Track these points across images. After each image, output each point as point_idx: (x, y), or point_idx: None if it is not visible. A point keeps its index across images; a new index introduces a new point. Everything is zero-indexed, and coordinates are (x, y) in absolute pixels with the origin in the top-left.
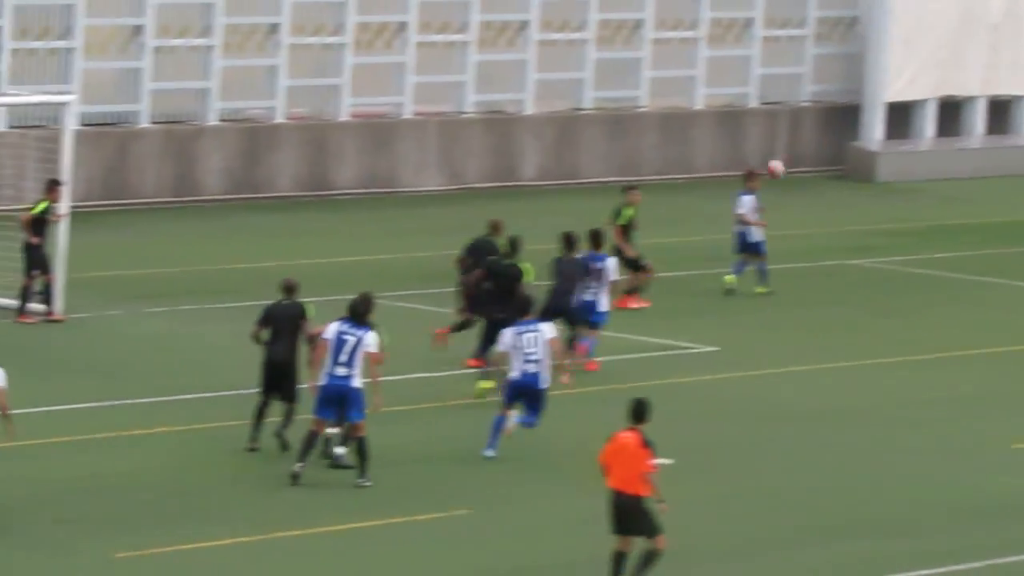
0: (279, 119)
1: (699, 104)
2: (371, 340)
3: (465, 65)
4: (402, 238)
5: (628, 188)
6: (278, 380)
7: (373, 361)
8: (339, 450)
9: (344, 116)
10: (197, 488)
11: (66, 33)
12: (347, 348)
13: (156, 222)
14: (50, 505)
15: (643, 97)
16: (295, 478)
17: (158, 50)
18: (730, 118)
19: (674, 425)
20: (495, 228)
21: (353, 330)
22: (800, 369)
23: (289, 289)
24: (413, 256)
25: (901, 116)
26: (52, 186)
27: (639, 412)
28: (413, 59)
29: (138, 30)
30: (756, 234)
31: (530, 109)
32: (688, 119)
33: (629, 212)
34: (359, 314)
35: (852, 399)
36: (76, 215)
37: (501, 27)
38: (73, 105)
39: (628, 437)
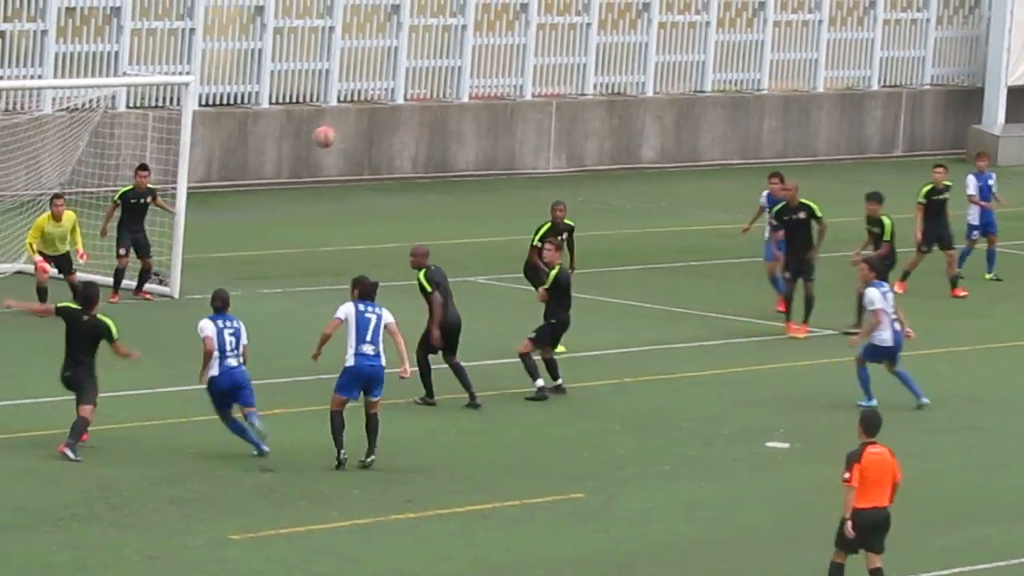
0: (399, 100)
1: (820, 87)
2: (389, 315)
3: (586, 47)
4: (520, 220)
5: (934, 166)
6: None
7: (397, 333)
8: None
9: (464, 97)
10: (312, 470)
11: (187, 13)
12: (371, 327)
13: (275, 203)
14: (165, 486)
15: (764, 79)
16: (341, 465)
17: (278, 30)
18: (851, 101)
19: (794, 409)
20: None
21: (372, 308)
22: (923, 353)
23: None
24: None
25: (1022, 100)
26: (139, 170)
27: (877, 425)
28: (534, 40)
29: (259, 10)
30: (979, 216)
31: (650, 91)
32: (809, 102)
33: (928, 189)
34: (372, 293)
35: (973, 383)
36: (195, 195)
37: (622, 8)
38: (193, 85)
39: (881, 451)
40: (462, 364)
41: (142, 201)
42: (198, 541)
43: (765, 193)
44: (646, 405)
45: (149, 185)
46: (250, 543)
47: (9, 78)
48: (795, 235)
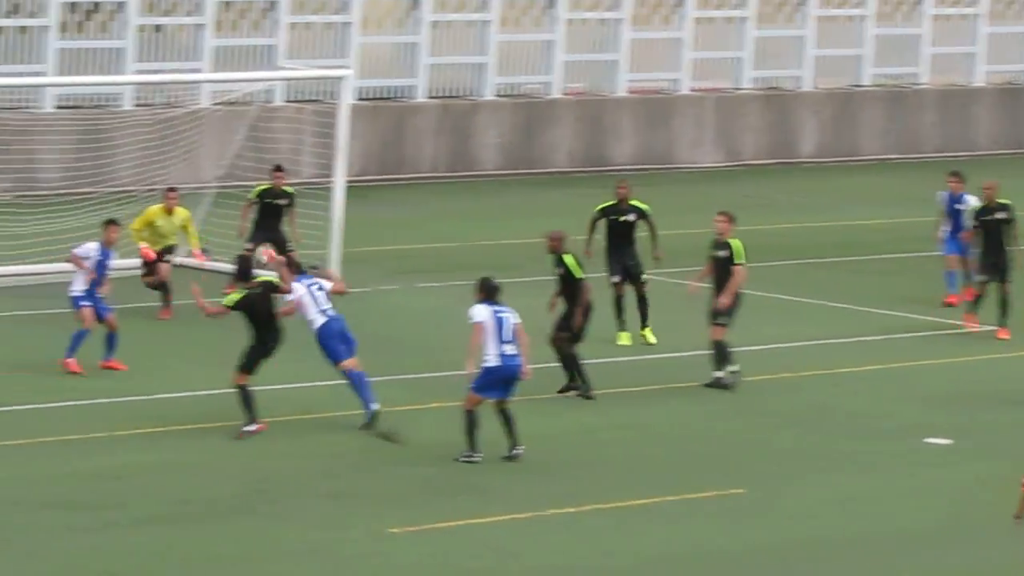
0: (555, 94)
1: (979, 81)
2: (516, 316)
3: (743, 41)
4: (678, 215)
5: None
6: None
7: (523, 333)
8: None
9: (621, 92)
10: (471, 464)
11: (343, 7)
12: (507, 327)
13: (431, 197)
14: (324, 479)
15: (922, 73)
16: (471, 462)
17: (435, 25)
18: (1011, 95)
19: (954, 405)
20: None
21: (502, 309)
22: None
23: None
24: (689, 232)
25: None
26: (275, 171)
27: None
28: (691, 35)
29: (415, 4)
30: None
31: (808, 85)
32: (968, 96)
33: None
34: (497, 294)
35: None
36: (352, 189)
37: (780, 2)
38: (350, 79)
39: None
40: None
41: (277, 202)
42: (357, 534)
43: (944, 193)
44: (806, 401)
45: (285, 187)
46: (409, 536)
47: (167, 72)
48: (992, 235)
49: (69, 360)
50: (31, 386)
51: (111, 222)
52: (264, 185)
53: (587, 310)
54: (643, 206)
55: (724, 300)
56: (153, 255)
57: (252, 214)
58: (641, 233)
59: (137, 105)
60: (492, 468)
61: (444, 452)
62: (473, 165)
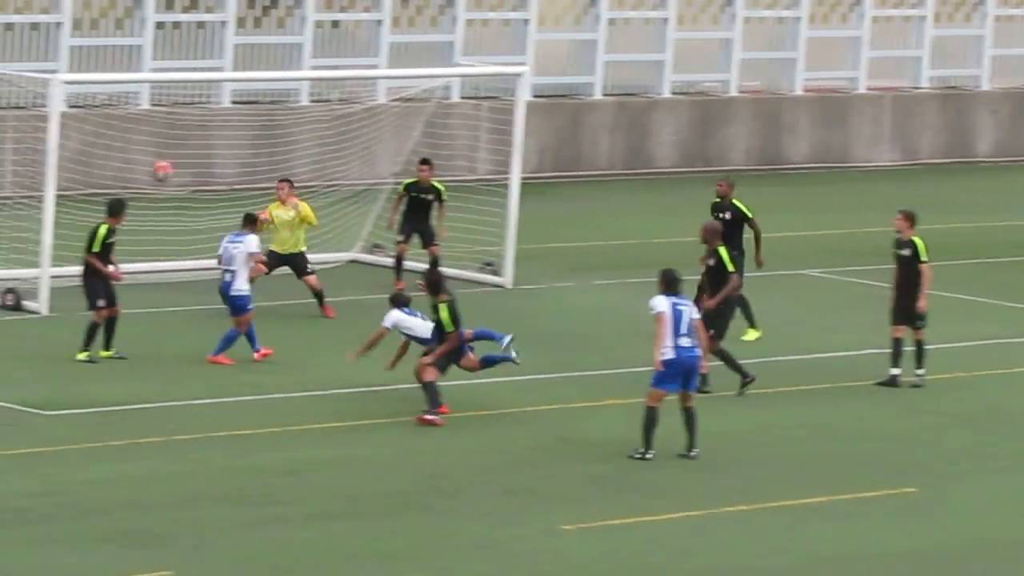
0: (732, 92)
1: None
2: (695, 310)
3: (921, 40)
4: (854, 213)
5: None
6: None
7: (702, 328)
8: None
9: (798, 90)
10: (644, 462)
11: (520, 4)
12: (685, 319)
13: (608, 194)
14: (497, 475)
15: None
16: (640, 458)
17: (612, 22)
18: None
19: None
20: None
21: (682, 301)
22: None
23: None
24: (865, 231)
25: None
26: (420, 164)
27: None
28: (868, 33)
29: (593, 1)
30: None
31: (986, 85)
32: None
33: None
34: (678, 286)
35: None
36: (528, 186)
37: (958, 1)
38: (526, 76)
39: None
40: None
41: (423, 197)
42: (529, 531)
43: None
44: (980, 400)
45: (434, 183)
46: (581, 534)
47: (343, 68)
48: None
49: (220, 356)
50: (206, 381)
51: (250, 216)
52: (411, 179)
53: (737, 304)
54: (743, 207)
55: (923, 304)
56: (264, 269)
57: (402, 206)
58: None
59: (313, 101)
60: (665, 465)
61: (616, 449)
62: (649, 162)
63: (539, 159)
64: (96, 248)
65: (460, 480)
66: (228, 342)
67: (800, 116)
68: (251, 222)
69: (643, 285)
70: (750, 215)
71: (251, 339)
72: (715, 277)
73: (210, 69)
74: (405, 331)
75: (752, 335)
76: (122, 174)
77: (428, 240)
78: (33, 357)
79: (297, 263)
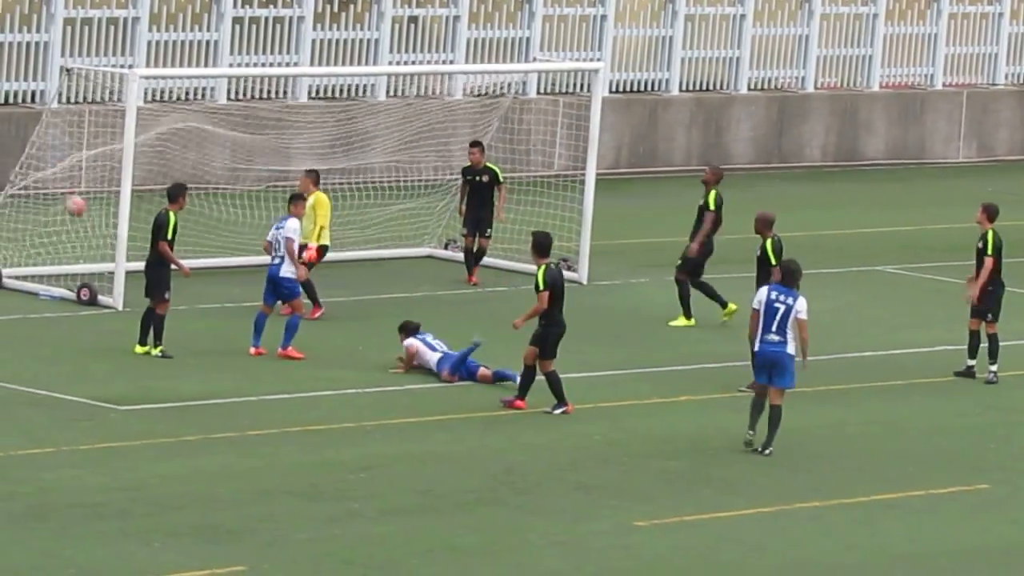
0: (809, 89)
1: None
2: (802, 307)
3: (998, 36)
4: (929, 209)
5: None
6: None
7: (805, 327)
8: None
9: (875, 86)
10: (718, 456)
11: (598, 0)
12: (778, 316)
13: (683, 190)
14: (570, 471)
15: None
16: (748, 445)
17: (689, 18)
18: None
19: None
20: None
21: (784, 297)
22: None
23: None
24: (940, 227)
25: None
26: (471, 147)
27: None
28: (945, 29)
29: None
30: None
31: None
32: None
33: None
34: (793, 278)
35: None
36: (604, 182)
37: None
38: (603, 72)
39: None
40: None
41: (479, 179)
42: (603, 527)
43: None
44: None
45: (488, 164)
46: (654, 530)
47: (421, 63)
48: None
49: (289, 349)
50: (279, 376)
51: (298, 196)
52: (465, 164)
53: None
54: (710, 199)
55: (972, 294)
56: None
57: (465, 196)
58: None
59: (390, 97)
60: (739, 461)
61: (690, 445)
62: (725, 158)
63: (615, 155)
64: (170, 235)
65: (533, 476)
66: (292, 331)
67: (876, 112)
68: (296, 202)
69: (717, 282)
70: (711, 207)
71: (257, 330)
72: (761, 268)
73: (287, 64)
74: (420, 362)
75: (681, 323)
76: (200, 168)
77: (482, 229)
78: (108, 352)
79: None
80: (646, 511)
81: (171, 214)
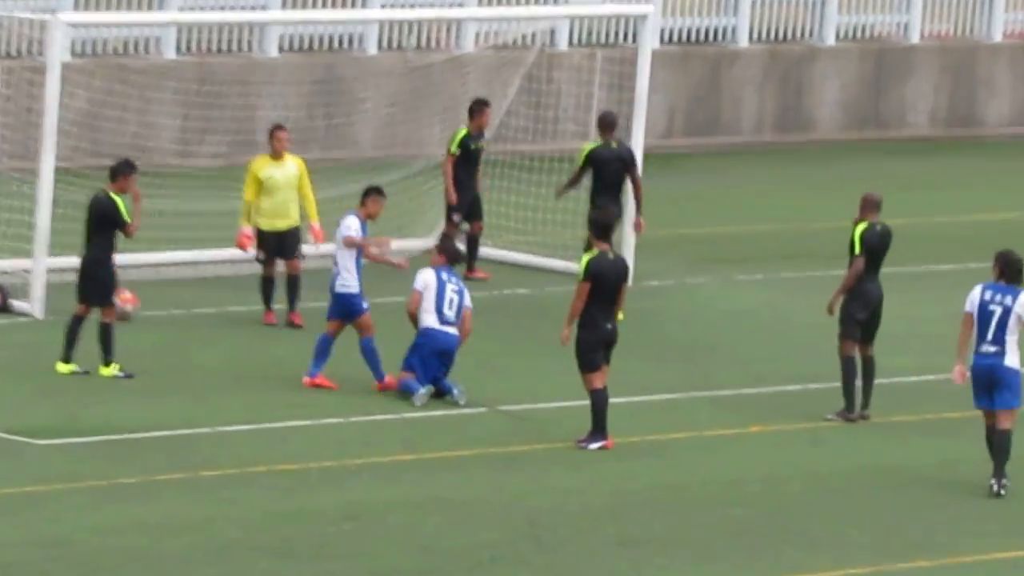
0: (914, 39)
1: None
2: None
3: None
4: None
5: None
6: None
7: (1015, 327)
8: None
9: (996, 36)
10: (797, 504)
11: None
12: (994, 320)
13: (754, 167)
14: (610, 521)
15: None
16: (995, 495)
17: None
18: None
19: None
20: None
21: (1000, 296)
22: None
23: None
24: None
25: None
26: (475, 107)
27: None
28: None
29: None
30: None
31: None
32: None
33: None
34: (1013, 273)
35: None
36: (653, 156)
37: None
38: (653, 18)
39: None
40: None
41: (474, 147)
42: None
43: None
44: None
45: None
46: None
47: (422, 7)
48: None
49: (388, 380)
50: (243, 402)
51: (374, 191)
52: (464, 130)
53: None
54: None
55: None
56: (249, 244)
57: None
58: None
59: (383, 50)
60: (823, 509)
61: (761, 489)
62: (807, 126)
63: (667, 122)
64: (127, 218)
65: (564, 528)
66: (373, 357)
67: (999, 68)
68: (371, 195)
69: (798, 282)
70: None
71: (319, 356)
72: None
73: (253, 9)
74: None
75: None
76: (141, 140)
77: (479, 211)
78: (23, 371)
79: (292, 242)
80: (706, 573)
81: (115, 196)
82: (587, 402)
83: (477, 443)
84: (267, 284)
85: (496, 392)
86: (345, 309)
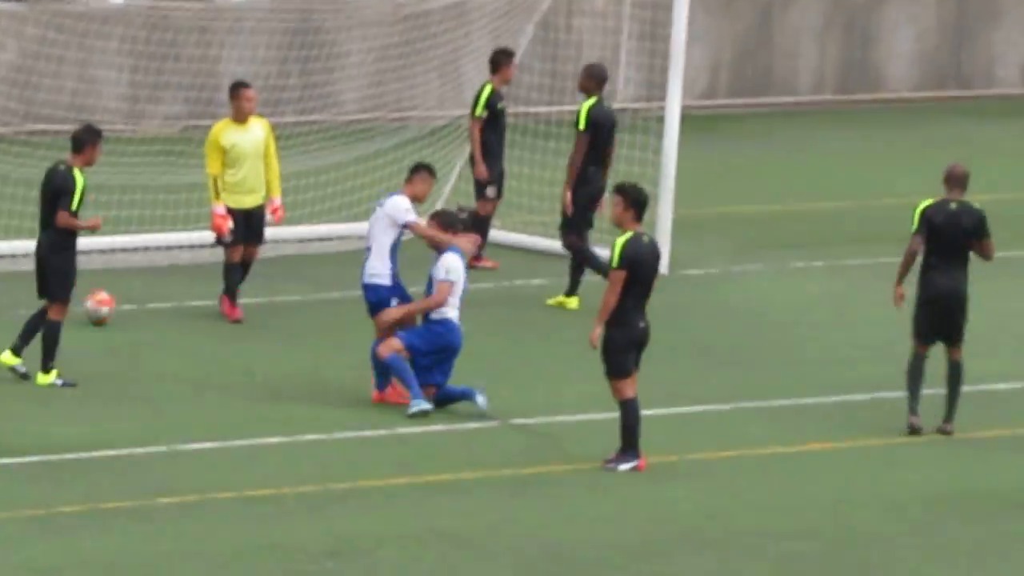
0: None
1: None
2: None
3: None
4: None
5: None
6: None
7: None
8: None
9: None
10: (869, 537)
11: None
12: None
13: (813, 130)
14: (645, 559)
15: None
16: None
17: None
18: None
19: None
20: None
21: None
22: None
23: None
24: None
25: None
26: (501, 59)
27: None
28: None
29: None
30: None
31: None
32: None
33: None
34: None
35: None
36: (692, 119)
37: None
38: None
39: None
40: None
41: (500, 107)
42: None
43: None
44: None
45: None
46: None
47: None
48: None
49: (387, 392)
50: (206, 415)
51: (423, 169)
52: (489, 86)
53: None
54: (583, 111)
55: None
56: (227, 228)
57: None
58: None
59: None
60: (903, 543)
61: (826, 518)
62: (877, 84)
63: (710, 79)
64: (75, 206)
65: (587, 565)
66: (384, 362)
67: None
68: (420, 173)
69: (866, 270)
70: (581, 126)
71: (380, 369)
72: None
73: None
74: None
75: (560, 300)
76: (81, 100)
77: (502, 185)
78: None
79: (261, 222)
80: None
81: (77, 173)
82: (616, 414)
83: (485, 464)
84: (233, 272)
85: (507, 403)
86: (370, 303)
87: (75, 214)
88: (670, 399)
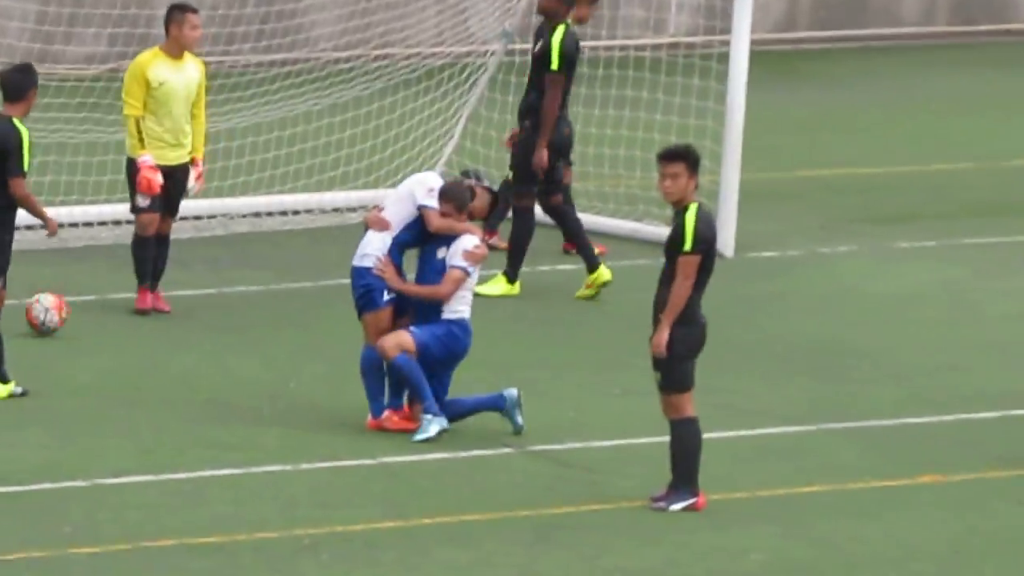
0: None
1: None
2: None
3: None
4: None
5: None
6: None
7: None
8: None
9: None
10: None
11: None
12: None
13: (921, 73)
14: None
15: None
16: None
17: None
18: None
19: None
20: None
21: None
22: None
23: None
24: None
25: None
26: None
27: None
28: None
29: None
30: None
31: None
32: None
33: None
34: None
35: None
36: (763, 57)
37: None
38: None
39: None
40: None
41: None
42: None
43: None
44: None
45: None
46: None
47: None
48: None
49: (389, 416)
50: (176, 438)
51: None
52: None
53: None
54: (555, 42)
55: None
56: (157, 184)
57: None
58: None
59: None
60: None
61: (937, 570)
62: (1002, 12)
63: (787, 9)
64: (26, 167)
65: None
66: (375, 376)
67: None
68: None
69: (992, 252)
70: (554, 65)
71: (375, 386)
72: None
73: None
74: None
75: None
76: None
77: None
78: None
79: (181, 186)
80: None
81: (19, 125)
82: (665, 438)
83: (496, 502)
84: (146, 248)
85: (526, 424)
86: (358, 292)
87: (22, 174)
88: (736, 418)
